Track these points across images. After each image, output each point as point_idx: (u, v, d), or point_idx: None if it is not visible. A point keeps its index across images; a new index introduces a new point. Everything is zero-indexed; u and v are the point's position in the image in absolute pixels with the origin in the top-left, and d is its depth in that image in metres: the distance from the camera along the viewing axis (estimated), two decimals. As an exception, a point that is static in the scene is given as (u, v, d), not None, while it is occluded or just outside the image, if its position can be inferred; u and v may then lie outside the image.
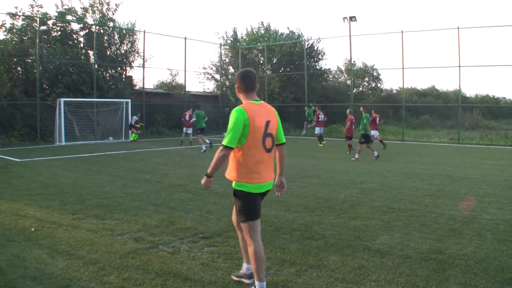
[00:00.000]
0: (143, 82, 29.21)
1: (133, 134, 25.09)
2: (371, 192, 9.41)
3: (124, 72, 29.77)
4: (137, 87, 30.26)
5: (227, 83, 38.04)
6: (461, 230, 6.41)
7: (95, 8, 27.97)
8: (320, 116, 21.79)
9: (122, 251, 5.43)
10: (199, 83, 61.97)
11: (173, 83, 34.95)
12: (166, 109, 30.68)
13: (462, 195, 9.10)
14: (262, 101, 4.25)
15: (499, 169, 13.23)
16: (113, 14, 28.66)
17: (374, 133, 19.62)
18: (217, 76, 38.12)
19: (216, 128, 33.65)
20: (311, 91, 33.91)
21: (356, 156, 15.76)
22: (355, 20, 30.04)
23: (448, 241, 5.86)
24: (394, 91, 45.70)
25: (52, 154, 17.15)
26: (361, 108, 17.37)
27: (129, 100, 25.92)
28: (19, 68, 25.57)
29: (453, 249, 5.53)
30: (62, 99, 22.86)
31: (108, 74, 28.97)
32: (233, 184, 4.16)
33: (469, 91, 64.30)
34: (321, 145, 21.48)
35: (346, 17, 30.34)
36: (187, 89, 32.45)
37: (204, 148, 18.67)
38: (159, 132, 29.23)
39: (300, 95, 33.29)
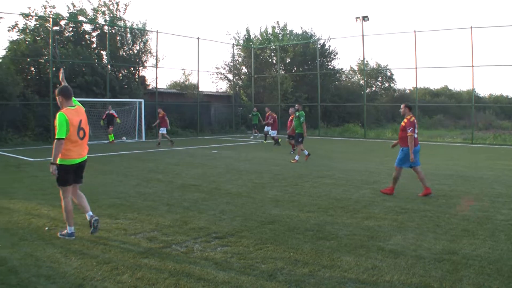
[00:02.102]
0: (156, 82, 29.39)
1: (110, 135, 23.49)
2: (384, 192, 9.35)
3: (137, 72, 29.94)
4: (150, 87, 30.42)
5: (240, 83, 38.09)
6: (475, 230, 6.34)
7: (104, 8, 28.17)
8: (275, 118, 22.69)
9: (135, 251, 5.45)
10: (212, 83, 62.38)
11: (186, 83, 35.05)
12: (179, 109, 30.80)
13: (475, 195, 9.01)
14: (76, 106, 6.10)
15: (514, 169, 13.08)
16: (123, 13, 28.91)
17: (267, 129, 22.95)
18: (230, 76, 38.21)
19: (229, 128, 33.67)
20: (324, 91, 33.81)
21: (297, 157, 14.87)
22: (368, 20, 29.84)
23: (461, 242, 5.80)
24: (407, 91, 45.54)
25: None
26: (297, 106, 16.17)
27: (142, 100, 26.04)
28: (32, 68, 25.83)
29: (467, 250, 5.48)
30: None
31: (121, 74, 29.16)
32: (57, 160, 5.89)
33: (483, 91, 63.90)
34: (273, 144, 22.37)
35: (358, 17, 30.15)
36: (200, 89, 32.58)
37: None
38: (172, 132, 29.23)
39: (313, 95, 33.18)
